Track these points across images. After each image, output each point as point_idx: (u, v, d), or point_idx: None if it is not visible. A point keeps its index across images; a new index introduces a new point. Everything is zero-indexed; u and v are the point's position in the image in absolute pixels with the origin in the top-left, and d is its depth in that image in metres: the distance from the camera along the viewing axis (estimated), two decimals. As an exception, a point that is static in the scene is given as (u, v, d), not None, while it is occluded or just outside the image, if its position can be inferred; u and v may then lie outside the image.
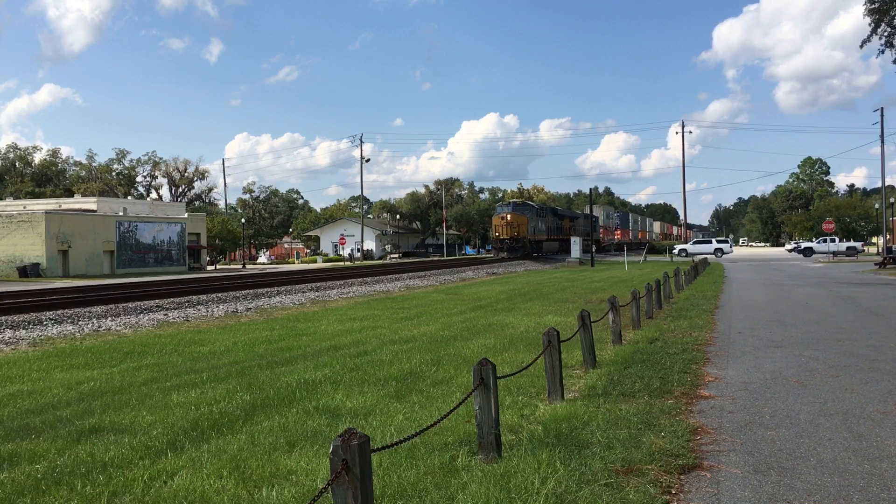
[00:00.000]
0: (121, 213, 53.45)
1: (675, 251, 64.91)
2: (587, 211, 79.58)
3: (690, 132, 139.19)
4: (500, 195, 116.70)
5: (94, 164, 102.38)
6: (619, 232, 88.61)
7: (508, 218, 50.38)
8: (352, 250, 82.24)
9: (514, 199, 56.00)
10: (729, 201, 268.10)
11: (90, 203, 58.04)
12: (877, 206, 71.30)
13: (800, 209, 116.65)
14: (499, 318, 13.96)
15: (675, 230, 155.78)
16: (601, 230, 76.58)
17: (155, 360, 9.69)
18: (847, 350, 9.66)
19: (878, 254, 53.86)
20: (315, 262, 78.40)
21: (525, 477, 4.37)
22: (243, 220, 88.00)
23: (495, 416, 4.81)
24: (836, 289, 21.68)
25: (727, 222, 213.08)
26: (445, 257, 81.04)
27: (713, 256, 58.73)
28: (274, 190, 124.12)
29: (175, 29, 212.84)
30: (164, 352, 10.38)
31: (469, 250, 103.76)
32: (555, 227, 59.94)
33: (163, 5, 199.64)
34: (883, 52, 33.59)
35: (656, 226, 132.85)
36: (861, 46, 35.16)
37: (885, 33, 32.93)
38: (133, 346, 10.92)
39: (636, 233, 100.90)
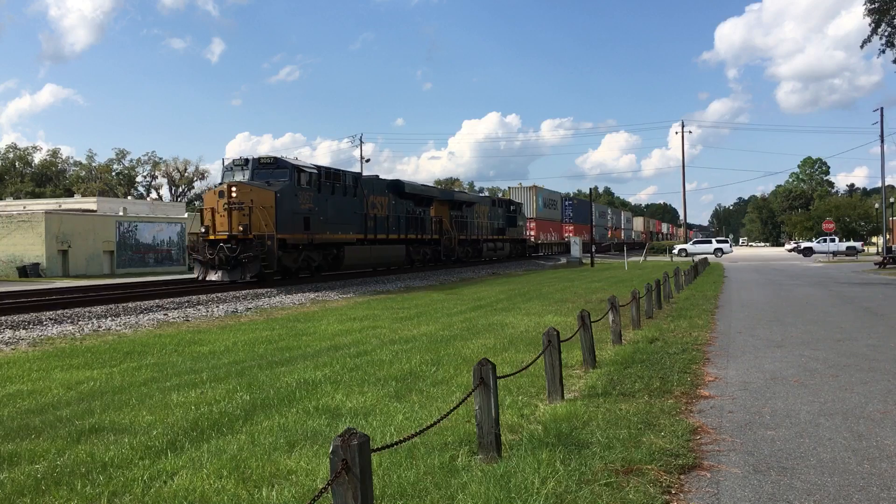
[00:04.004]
0: (121, 213, 53.45)
1: (675, 251, 64.95)
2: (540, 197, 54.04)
3: (690, 132, 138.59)
4: (500, 195, 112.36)
5: (93, 164, 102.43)
6: (571, 227, 63.41)
7: (233, 194, 21.88)
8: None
9: (260, 157, 23.79)
10: (729, 201, 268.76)
11: (90, 203, 58.05)
12: (877, 205, 71.32)
13: (800, 209, 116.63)
14: (499, 317, 13.95)
15: (663, 227, 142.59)
16: (532, 224, 53.07)
17: (155, 360, 9.69)
18: (847, 350, 9.66)
19: (877, 254, 53.88)
20: (315, 261, 78.21)
21: (525, 477, 4.37)
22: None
23: (495, 415, 4.81)
24: (835, 288, 21.68)
25: (727, 222, 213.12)
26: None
27: (713, 256, 58.74)
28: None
29: (176, 28, 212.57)
30: (164, 352, 10.38)
31: None
32: (403, 218, 31.29)
33: (164, 5, 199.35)
34: (883, 51, 33.56)
35: (638, 222, 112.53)
36: (861, 47, 35.20)
37: (886, 33, 32.91)
38: (133, 346, 10.92)
39: (602, 229, 75.33)
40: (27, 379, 8.41)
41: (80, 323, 14.05)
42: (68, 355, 10.20)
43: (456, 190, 42.99)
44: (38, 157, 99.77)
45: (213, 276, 22.22)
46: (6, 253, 45.12)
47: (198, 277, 22.94)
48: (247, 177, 23.10)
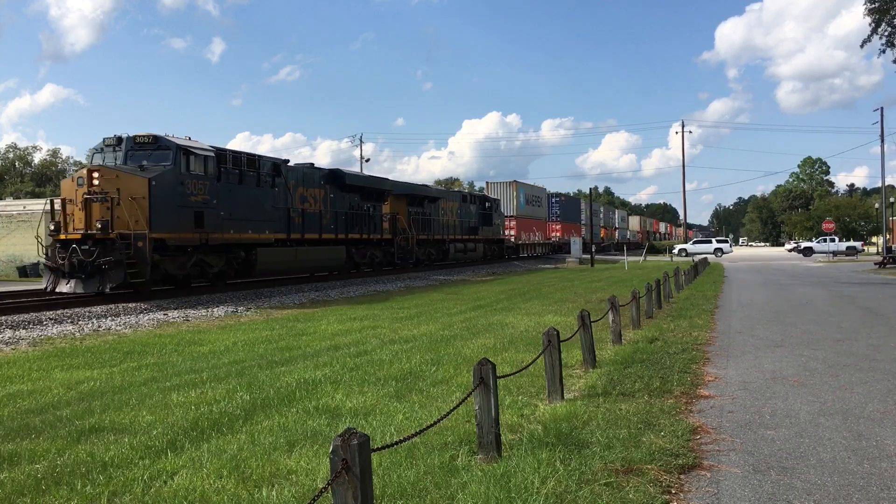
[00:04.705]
0: (121, 213, 53.40)
1: (675, 251, 64.96)
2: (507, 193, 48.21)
3: (690, 132, 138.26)
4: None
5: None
6: (558, 227, 58.49)
7: (95, 181, 17.42)
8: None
9: (136, 135, 18.62)
10: (729, 201, 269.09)
11: (90, 203, 57.95)
12: (877, 205, 71.33)
13: (800, 209, 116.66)
14: (498, 317, 13.96)
15: (661, 227, 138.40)
16: (512, 223, 48.09)
17: (155, 359, 9.69)
18: (847, 349, 9.66)
19: (877, 253, 53.89)
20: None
21: (525, 476, 4.37)
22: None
23: (495, 415, 4.81)
24: (835, 288, 21.68)
25: (727, 222, 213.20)
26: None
27: (713, 256, 58.73)
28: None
29: (177, 28, 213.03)
30: (164, 352, 10.38)
31: None
32: (343, 214, 26.63)
33: (164, 4, 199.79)
34: (884, 51, 33.57)
35: (634, 221, 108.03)
36: (861, 46, 35.16)
37: (886, 33, 32.91)
38: (133, 346, 10.92)
39: (594, 228, 63.37)
40: (27, 379, 8.41)
41: (80, 323, 14.05)
42: (68, 355, 10.19)
43: (416, 183, 36.05)
44: (38, 157, 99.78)
45: (64, 287, 17.34)
46: (6, 253, 45.14)
47: (45, 289, 18.08)
48: (119, 160, 18.36)
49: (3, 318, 14.12)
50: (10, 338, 12.07)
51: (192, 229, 18.83)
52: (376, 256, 30.15)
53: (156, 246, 17.69)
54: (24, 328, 13.22)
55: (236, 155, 20.96)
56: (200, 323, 14.49)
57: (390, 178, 34.21)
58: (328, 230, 25.62)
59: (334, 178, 26.75)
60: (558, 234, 58.23)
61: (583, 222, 65.58)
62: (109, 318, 14.76)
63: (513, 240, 48.31)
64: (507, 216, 47.53)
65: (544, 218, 56.54)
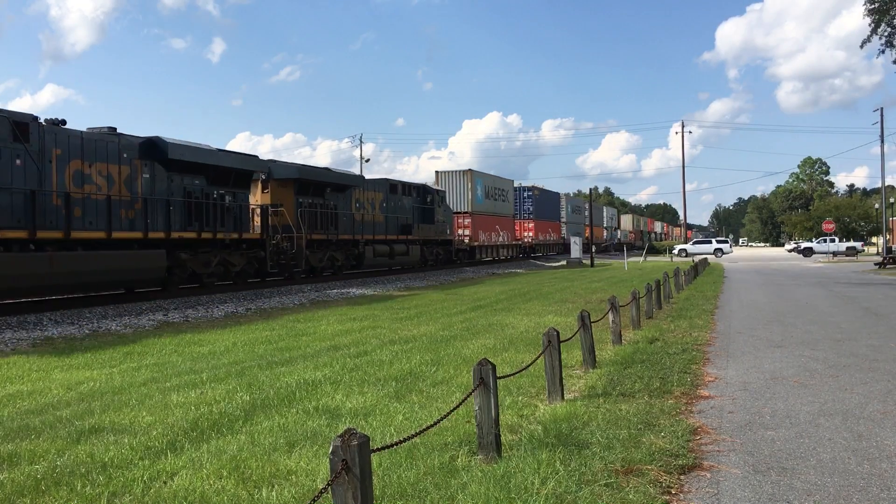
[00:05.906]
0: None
1: (675, 251, 65.00)
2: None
3: (690, 132, 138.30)
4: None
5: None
6: (531, 225, 50.74)
7: None
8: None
9: None
10: (729, 201, 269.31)
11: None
12: (877, 206, 71.32)
13: (800, 209, 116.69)
14: (498, 318, 13.95)
15: (657, 226, 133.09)
16: (467, 221, 39.91)
17: (155, 360, 9.69)
18: (847, 350, 9.67)
19: (877, 254, 53.88)
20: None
21: (525, 477, 4.37)
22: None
23: (495, 416, 4.81)
24: (836, 289, 21.68)
25: (727, 222, 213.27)
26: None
27: (713, 256, 58.74)
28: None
29: (177, 28, 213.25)
30: (164, 352, 10.38)
31: None
32: (169, 203, 18.29)
33: (164, 4, 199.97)
34: (883, 51, 33.55)
35: (626, 220, 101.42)
36: (861, 46, 35.14)
37: (885, 33, 32.90)
38: (133, 346, 10.92)
39: (578, 227, 61.46)
40: (27, 379, 8.41)
41: (80, 323, 14.04)
42: (68, 355, 10.19)
43: (314, 165, 27.73)
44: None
45: None
46: (6, 253, 44.78)
47: None
48: None
49: (3, 318, 14.12)
50: (10, 338, 12.06)
51: None
52: (233, 264, 21.18)
53: None
54: (24, 328, 13.21)
55: None
56: (200, 323, 14.48)
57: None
58: (133, 226, 17.41)
59: (153, 150, 18.06)
60: (531, 234, 50.56)
61: (563, 220, 59.64)
62: (109, 319, 14.75)
63: (467, 241, 39.86)
64: (460, 212, 39.53)
65: (511, 215, 48.06)
